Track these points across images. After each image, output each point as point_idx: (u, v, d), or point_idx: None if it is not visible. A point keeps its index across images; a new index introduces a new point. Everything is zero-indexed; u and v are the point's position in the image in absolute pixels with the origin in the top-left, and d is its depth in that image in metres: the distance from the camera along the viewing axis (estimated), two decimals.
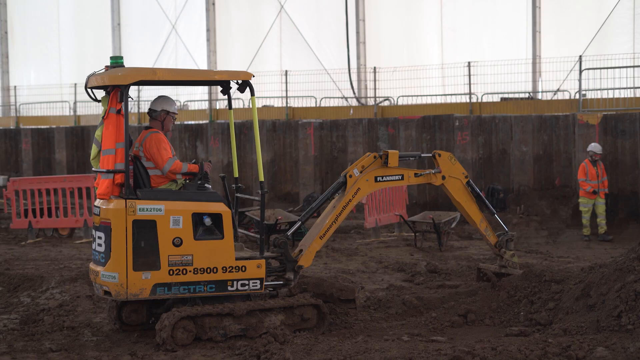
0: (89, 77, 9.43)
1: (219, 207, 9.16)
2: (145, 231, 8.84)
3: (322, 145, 23.13)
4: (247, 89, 9.46)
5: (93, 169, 9.44)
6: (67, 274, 12.47)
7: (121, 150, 8.90)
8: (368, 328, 9.47)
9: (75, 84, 30.53)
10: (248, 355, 8.00)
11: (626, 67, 21.58)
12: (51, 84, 33.76)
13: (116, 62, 9.23)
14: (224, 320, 8.93)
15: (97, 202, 9.27)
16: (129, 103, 9.14)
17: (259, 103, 27.09)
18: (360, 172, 10.26)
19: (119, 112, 8.98)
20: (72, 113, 30.83)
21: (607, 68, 21.43)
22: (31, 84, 34.35)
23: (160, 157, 9.27)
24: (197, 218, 9.04)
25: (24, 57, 37.06)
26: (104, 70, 9.33)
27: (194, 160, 9.76)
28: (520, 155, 20.48)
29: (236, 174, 10.48)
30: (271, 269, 9.56)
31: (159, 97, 9.76)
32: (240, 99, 27.24)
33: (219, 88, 10.15)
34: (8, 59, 37.20)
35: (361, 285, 11.40)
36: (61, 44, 36.08)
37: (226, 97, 10.09)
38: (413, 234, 16.25)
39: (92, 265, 9.30)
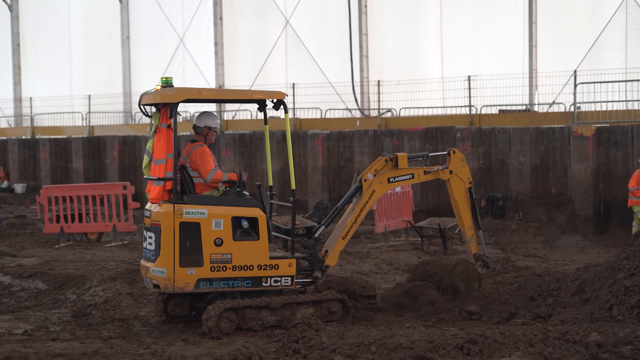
0: (142, 96, 10.57)
1: (255, 212, 10.31)
2: (190, 232, 9.99)
3: (329, 155, 24.27)
4: (281, 106, 10.63)
5: (145, 176, 10.62)
6: (106, 274, 13.59)
7: (171, 161, 10.09)
8: (387, 321, 10.59)
9: (90, 96, 31.67)
10: (286, 341, 9.11)
11: (619, 81, 22.59)
12: (62, 96, 34.89)
13: (166, 82, 10.35)
14: (262, 312, 10.08)
15: (148, 206, 10.44)
16: (179, 117, 10.26)
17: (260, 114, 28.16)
18: (374, 175, 11.18)
19: (169, 126, 10.12)
20: (85, 124, 31.96)
21: (601, 82, 22.39)
22: (42, 95, 35.46)
23: (204, 168, 10.44)
24: (236, 221, 10.19)
25: (36, 69, 38.20)
26: (154, 90, 10.43)
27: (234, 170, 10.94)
28: (519, 165, 21.58)
29: (270, 183, 11.59)
30: (301, 268, 10.70)
31: (202, 113, 10.92)
32: (248, 110, 28.42)
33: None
34: (20, 71, 38.34)
35: (379, 285, 12.53)
36: (72, 56, 37.22)
37: (262, 113, 11.17)
38: (420, 238, 17.41)
39: (143, 262, 10.48)
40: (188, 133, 22.59)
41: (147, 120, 31.21)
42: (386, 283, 13.51)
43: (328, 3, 29.86)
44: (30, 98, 33.54)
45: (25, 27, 38.67)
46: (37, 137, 31.71)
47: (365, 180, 11.12)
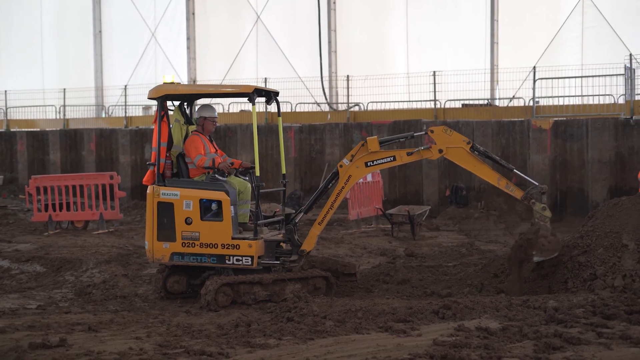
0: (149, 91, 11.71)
1: (221, 196, 11.33)
2: (165, 211, 11.25)
3: (301, 148, 25.30)
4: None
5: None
6: (100, 258, 14.59)
7: (162, 149, 11.40)
8: (367, 296, 11.72)
9: (65, 89, 32.39)
10: (279, 312, 10.17)
11: (575, 77, 23.82)
12: (35, 89, 35.48)
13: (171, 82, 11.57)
14: (254, 287, 11.14)
15: None
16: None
17: (237, 108, 29.15)
18: (350, 160, 11.53)
19: (162, 119, 11.30)
20: (58, 117, 32.65)
21: (558, 78, 23.59)
22: (14, 88, 36.01)
23: (190, 154, 11.60)
24: (205, 203, 11.27)
25: (8, 63, 38.70)
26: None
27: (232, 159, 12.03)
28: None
29: (283, 171, 12.56)
30: (282, 251, 11.72)
31: (201, 105, 12.04)
32: (220, 104, 29.33)
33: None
34: None
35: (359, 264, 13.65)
36: (44, 49, 37.78)
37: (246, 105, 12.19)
38: (389, 226, 18.55)
39: None
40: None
41: (120, 113, 32.21)
42: (361, 265, 14.61)
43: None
44: (5, 91, 34.13)
45: None
46: (12, 130, 32.34)
47: (341, 166, 11.54)
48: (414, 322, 9.10)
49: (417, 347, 7.96)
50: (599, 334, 8.19)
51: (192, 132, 11.88)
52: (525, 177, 11.97)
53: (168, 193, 11.29)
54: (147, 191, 11.47)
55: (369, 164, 11.50)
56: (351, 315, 9.47)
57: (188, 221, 11.22)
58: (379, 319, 9.25)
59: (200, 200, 11.27)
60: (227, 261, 11.24)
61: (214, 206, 11.27)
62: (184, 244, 11.22)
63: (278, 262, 11.55)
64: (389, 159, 11.49)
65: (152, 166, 11.47)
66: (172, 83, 11.67)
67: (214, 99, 22.85)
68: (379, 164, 11.54)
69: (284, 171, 12.64)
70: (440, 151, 11.28)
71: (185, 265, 11.44)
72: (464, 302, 9.65)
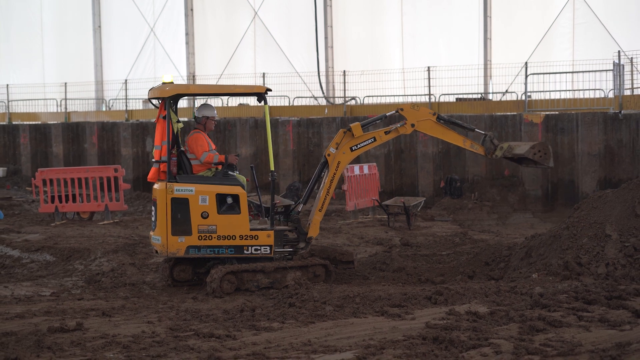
0: (149, 91, 12.22)
1: (237, 190, 11.97)
2: (180, 206, 11.70)
3: (299, 141, 25.89)
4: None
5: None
6: (108, 247, 15.17)
7: (165, 147, 11.82)
8: (364, 283, 12.35)
9: (66, 83, 32.94)
10: (282, 298, 10.80)
11: (566, 72, 24.40)
12: (35, 83, 36.01)
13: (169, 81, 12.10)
14: (257, 275, 11.77)
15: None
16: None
17: (236, 102, 29.73)
18: (336, 148, 12.41)
19: (164, 117, 11.81)
20: (59, 110, 33.20)
21: (550, 73, 24.10)
22: (15, 82, 36.52)
23: (197, 151, 12.12)
24: (220, 197, 11.83)
25: (9, 57, 39.22)
26: (157, 86, 12.13)
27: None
28: None
29: (272, 168, 12.96)
30: (288, 239, 12.36)
31: (201, 105, 12.60)
32: (220, 98, 29.88)
33: None
34: None
35: (357, 252, 14.28)
36: (44, 44, 38.29)
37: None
38: (386, 215, 19.16)
39: (151, 232, 12.17)
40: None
41: (120, 107, 32.77)
42: (359, 254, 15.22)
43: None
44: (7, 85, 34.67)
45: None
46: (14, 123, 32.90)
47: (329, 155, 12.42)
48: (408, 307, 9.74)
49: (411, 330, 8.58)
50: (579, 318, 8.82)
51: (193, 130, 12.41)
52: (481, 132, 12.90)
53: (182, 189, 11.74)
54: (156, 188, 11.93)
55: (353, 148, 12.45)
56: (349, 300, 10.11)
57: (204, 215, 11.71)
58: (375, 304, 9.89)
59: (217, 194, 11.80)
60: (245, 251, 11.84)
61: (229, 200, 11.83)
62: (200, 237, 11.70)
63: (292, 249, 12.22)
64: (370, 140, 12.44)
65: (157, 164, 11.91)
66: (171, 82, 12.15)
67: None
68: (362, 146, 12.49)
69: (272, 167, 12.84)
70: (413, 125, 12.39)
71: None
72: (455, 289, 10.30)
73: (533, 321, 8.64)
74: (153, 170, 12.06)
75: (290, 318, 9.49)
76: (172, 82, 12.23)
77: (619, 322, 8.49)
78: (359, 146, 12.42)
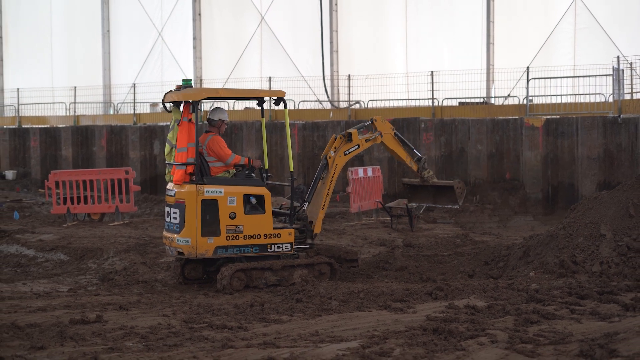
0: (165, 94, 12.64)
1: (262, 190, 12.50)
2: (210, 207, 12.11)
3: (304, 144, 26.41)
4: (281, 102, 12.80)
5: (166, 162, 12.76)
6: (120, 247, 15.67)
7: (192, 149, 12.18)
8: (368, 281, 12.85)
9: (75, 87, 33.49)
10: (289, 294, 11.30)
11: (567, 77, 24.80)
12: (44, 87, 36.59)
13: (186, 83, 12.48)
14: (265, 272, 12.28)
15: (170, 186, 12.54)
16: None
17: (242, 105, 30.23)
18: (334, 151, 13.35)
19: (190, 120, 12.23)
20: (68, 113, 33.77)
21: (551, 78, 24.48)
22: (24, 86, 37.08)
23: (224, 154, 12.54)
24: (246, 198, 12.33)
25: (18, 61, 39.81)
26: (175, 89, 12.54)
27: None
28: (476, 153, 23.78)
29: (266, 166, 13.66)
30: (296, 237, 12.87)
31: (216, 108, 13.08)
32: (227, 102, 30.37)
33: None
34: (2, 62, 39.95)
35: (360, 253, 14.78)
36: (53, 48, 38.88)
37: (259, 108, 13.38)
38: (389, 218, 19.64)
39: (166, 233, 12.57)
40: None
41: (128, 110, 33.29)
42: (362, 254, 15.70)
43: (301, 1, 31.85)
44: (18, 89, 35.26)
45: (8, 20, 40.26)
46: (24, 126, 33.47)
47: (329, 157, 13.31)
48: (410, 302, 10.25)
49: (413, 322, 9.09)
50: (572, 311, 9.33)
51: (208, 133, 12.79)
52: (418, 153, 14.32)
53: (212, 191, 12.14)
54: (185, 190, 12.05)
55: (346, 152, 13.45)
56: (354, 296, 10.63)
57: (232, 216, 12.15)
58: (379, 299, 10.40)
59: (244, 195, 12.29)
60: (268, 249, 12.37)
61: (253, 200, 12.33)
62: (228, 237, 12.12)
63: (307, 245, 12.86)
64: (356, 147, 13.52)
65: (184, 166, 12.08)
66: (190, 86, 12.61)
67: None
68: (351, 152, 13.51)
69: (292, 168, 13.49)
70: (381, 136, 13.67)
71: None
72: (455, 285, 10.82)
73: (528, 314, 9.14)
74: (179, 173, 12.17)
75: (298, 312, 10.00)
76: (190, 84, 12.63)
77: (608, 315, 8.99)
78: (349, 151, 13.45)
